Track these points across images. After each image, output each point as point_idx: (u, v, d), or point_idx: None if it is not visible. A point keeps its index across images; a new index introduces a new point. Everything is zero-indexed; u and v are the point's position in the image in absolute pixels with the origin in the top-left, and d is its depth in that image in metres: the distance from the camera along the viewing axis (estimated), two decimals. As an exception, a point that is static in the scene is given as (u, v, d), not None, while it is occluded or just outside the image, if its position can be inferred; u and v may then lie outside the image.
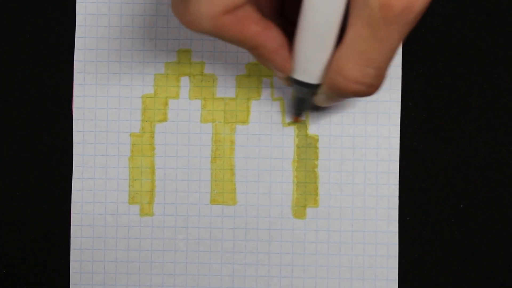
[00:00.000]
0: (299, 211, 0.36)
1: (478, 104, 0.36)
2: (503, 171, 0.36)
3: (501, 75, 0.36)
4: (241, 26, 0.25)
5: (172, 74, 0.36)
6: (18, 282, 0.36)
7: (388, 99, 0.36)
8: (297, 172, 0.36)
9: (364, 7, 0.24)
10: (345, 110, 0.36)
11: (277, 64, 0.28)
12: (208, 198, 0.36)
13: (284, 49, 0.27)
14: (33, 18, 0.36)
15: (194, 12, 0.25)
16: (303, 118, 0.36)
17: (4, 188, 0.36)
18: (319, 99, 0.30)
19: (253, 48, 0.27)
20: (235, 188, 0.36)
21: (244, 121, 0.36)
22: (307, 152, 0.36)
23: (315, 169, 0.36)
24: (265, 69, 0.36)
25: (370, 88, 0.27)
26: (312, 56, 0.27)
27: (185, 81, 0.36)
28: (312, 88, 0.29)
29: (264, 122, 0.36)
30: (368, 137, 0.36)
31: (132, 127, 0.36)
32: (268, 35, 0.26)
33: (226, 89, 0.36)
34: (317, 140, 0.36)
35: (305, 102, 0.32)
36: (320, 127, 0.36)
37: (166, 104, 0.36)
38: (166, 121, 0.36)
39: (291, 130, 0.36)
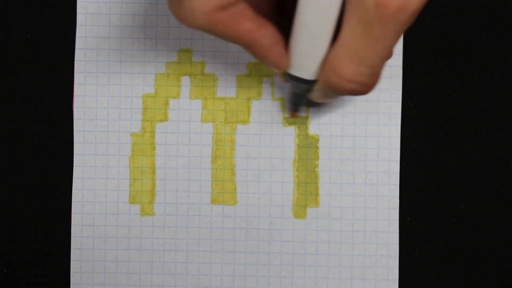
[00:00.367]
0: (299, 211, 0.36)
1: (478, 104, 0.36)
2: (503, 171, 0.36)
3: (501, 75, 0.36)
4: (235, 23, 0.26)
5: (173, 74, 0.36)
6: (18, 282, 0.36)
7: (389, 99, 0.36)
8: (298, 172, 0.36)
9: (359, 5, 0.24)
10: (345, 110, 0.36)
11: (273, 60, 0.28)
12: (208, 198, 0.36)
13: (279, 46, 0.27)
14: (33, 18, 0.36)
15: (188, 8, 0.25)
16: (300, 113, 0.36)
17: (4, 188, 0.36)
18: (315, 95, 0.30)
19: (247, 46, 0.27)
20: (235, 188, 0.36)
21: (245, 121, 0.36)
22: (307, 152, 0.36)
23: (316, 169, 0.36)
24: (266, 69, 0.36)
25: (364, 87, 0.27)
26: (308, 52, 0.27)
27: (185, 80, 0.36)
28: (308, 84, 0.29)
29: (265, 122, 0.36)
30: (368, 137, 0.36)
31: (133, 126, 0.36)
32: (263, 32, 0.27)
33: (226, 89, 0.36)
34: (318, 140, 0.36)
35: (301, 97, 0.32)
36: (320, 127, 0.36)
37: (166, 103, 0.36)
38: (166, 120, 0.36)
39: (292, 130, 0.36)
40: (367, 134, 0.36)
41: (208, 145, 0.36)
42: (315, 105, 0.36)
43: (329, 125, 0.36)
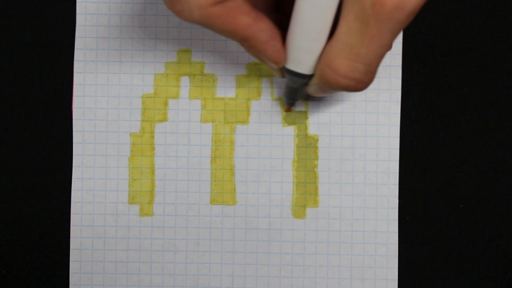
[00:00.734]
0: (299, 211, 0.36)
1: (478, 104, 0.36)
2: (503, 171, 0.36)
3: (501, 75, 0.36)
4: (231, 17, 0.26)
5: (172, 74, 0.36)
6: (18, 282, 0.36)
7: (388, 99, 0.36)
8: (297, 172, 0.36)
9: (357, 2, 0.24)
10: (345, 110, 0.36)
11: (269, 55, 0.28)
12: (208, 198, 0.36)
13: (275, 41, 0.27)
14: (33, 18, 0.36)
15: (184, 1, 0.25)
16: (296, 108, 0.36)
17: (4, 188, 0.36)
18: (312, 89, 0.30)
19: (244, 40, 0.27)
20: (235, 188, 0.36)
21: (244, 121, 0.36)
22: (307, 152, 0.36)
23: (315, 169, 0.36)
24: (265, 69, 0.36)
25: (358, 84, 0.27)
26: (305, 47, 0.27)
27: (185, 81, 0.36)
28: (305, 78, 0.29)
29: (264, 122, 0.36)
30: (368, 137, 0.36)
31: (132, 127, 0.36)
32: (259, 27, 0.27)
33: (226, 89, 0.36)
34: (317, 140, 0.36)
35: (297, 91, 0.32)
36: (320, 127, 0.36)
37: (166, 104, 0.36)
38: (166, 121, 0.36)
39: (291, 130, 0.36)
40: (367, 134, 0.36)
41: (207, 145, 0.36)
42: (311, 99, 0.36)
43: (329, 125, 0.36)
